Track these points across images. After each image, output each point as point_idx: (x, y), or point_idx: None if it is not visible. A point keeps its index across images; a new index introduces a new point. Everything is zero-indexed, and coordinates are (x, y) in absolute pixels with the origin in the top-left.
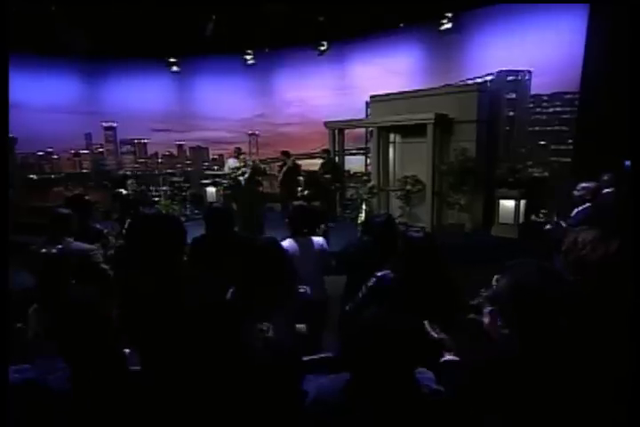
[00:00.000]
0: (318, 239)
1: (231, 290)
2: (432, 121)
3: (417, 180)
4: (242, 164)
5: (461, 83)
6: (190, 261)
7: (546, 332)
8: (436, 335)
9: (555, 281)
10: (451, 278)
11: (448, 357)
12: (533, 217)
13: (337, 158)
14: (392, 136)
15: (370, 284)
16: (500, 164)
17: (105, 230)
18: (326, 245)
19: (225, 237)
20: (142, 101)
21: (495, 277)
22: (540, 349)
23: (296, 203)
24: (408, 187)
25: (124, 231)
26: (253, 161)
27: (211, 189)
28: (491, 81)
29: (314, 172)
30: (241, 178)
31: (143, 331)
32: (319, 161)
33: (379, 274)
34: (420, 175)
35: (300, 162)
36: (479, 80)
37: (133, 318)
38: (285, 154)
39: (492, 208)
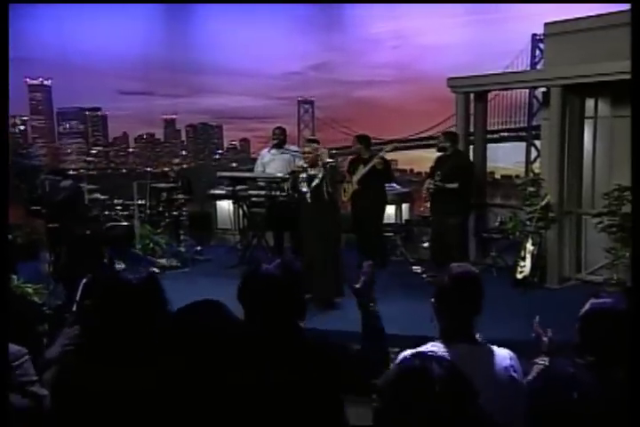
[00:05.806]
0: (504, 354)
1: None
2: None
3: None
4: (306, 159)
5: None
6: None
7: None
8: None
9: None
10: None
11: None
12: None
13: (471, 149)
14: (591, 104)
15: None
16: None
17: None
18: (520, 372)
19: (294, 343)
20: (101, 40)
21: None
22: None
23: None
24: (626, 209)
25: (75, 304)
26: (332, 153)
27: (225, 206)
28: None
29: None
30: (305, 188)
31: None
32: (433, 154)
33: None
34: None
35: (393, 156)
36: None
37: None
38: (362, 141)
39: None
